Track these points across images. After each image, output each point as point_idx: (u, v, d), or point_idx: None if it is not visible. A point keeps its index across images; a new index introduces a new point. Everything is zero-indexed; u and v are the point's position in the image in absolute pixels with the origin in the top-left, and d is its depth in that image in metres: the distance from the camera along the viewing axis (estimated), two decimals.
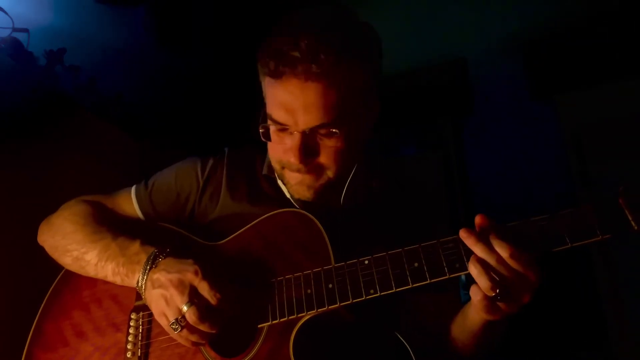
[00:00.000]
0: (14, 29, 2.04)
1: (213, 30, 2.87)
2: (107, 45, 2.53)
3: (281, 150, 1.17)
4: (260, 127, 1.17)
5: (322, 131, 1.11)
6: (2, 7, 2.03)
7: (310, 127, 1.10)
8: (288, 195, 1.26)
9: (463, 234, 0.94)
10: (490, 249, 0.91)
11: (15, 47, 2.01)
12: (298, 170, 1.16)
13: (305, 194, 1.20)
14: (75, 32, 2.35)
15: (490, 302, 0.92)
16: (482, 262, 0.91)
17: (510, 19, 3.09)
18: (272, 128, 1.16)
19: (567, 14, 2.98)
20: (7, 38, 2.00)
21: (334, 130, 1.11)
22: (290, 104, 1.10)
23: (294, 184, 1.20)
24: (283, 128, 1.14)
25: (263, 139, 1.20)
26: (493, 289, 0.90)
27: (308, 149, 1.12)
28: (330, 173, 1.17)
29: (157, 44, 2.76)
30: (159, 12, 2.71)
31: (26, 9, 2.18)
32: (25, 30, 2.07)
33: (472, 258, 0.93)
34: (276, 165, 1.23)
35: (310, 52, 1.06)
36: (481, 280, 0.91)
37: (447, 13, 3.17)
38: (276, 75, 1.09)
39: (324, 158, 1.15)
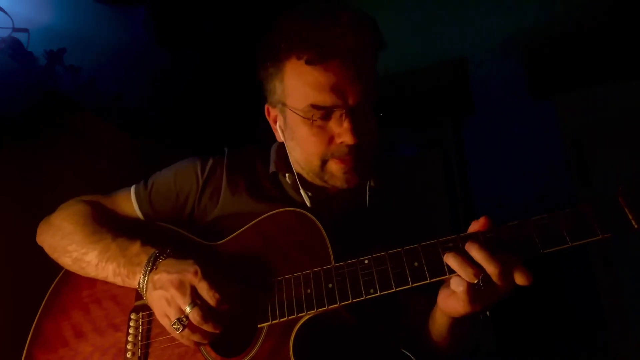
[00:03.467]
0: (14, 29, 2.04)
1: (213, 31, 2.87)
2: (107, 45, 2.53)
3: (326, 140, 1.15)
4: (302, 119, 1.14)
5: (368, 103, 1.14)
6: (2, 7, 2.03)
7: (359, 101, 1.12)
8: (305, 198, 1.23)
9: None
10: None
11: (15, 47, 2.01)
12: (349, 153, 1.14)
13: (355, 179, 1.19)
14: (75, 32, 2.35)
15: (474, 291, 0.92)
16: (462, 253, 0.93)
17: (511, 19, 3.09)
18: (306, 120, 1.14)
19: (568, 15, 2.98)
20: (7, 38, 2.00)
21: (376, 100, 1.14)
22: (337, 84, 1.10)
23: (343, 173, 1.17)
24: (329, 112, 1.13)
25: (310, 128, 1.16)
26: (476, 275, 0.90)
27: (358, 127, 1.13)
28: (371, 152, 1.19)
29: (157, 44, 2.75)
30: (158, 12, 2.70)
31: (26, 9, 2.17)
32: (25, 30, 2.07)
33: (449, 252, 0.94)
34: (316, 162, 1.19)
35: (354, 25, 1.10)
36: (463, 270, 0.91)
37: (448, 13, 3.17)
38: (317, 59, 1.09)
39: (368, 134, 1.16)
